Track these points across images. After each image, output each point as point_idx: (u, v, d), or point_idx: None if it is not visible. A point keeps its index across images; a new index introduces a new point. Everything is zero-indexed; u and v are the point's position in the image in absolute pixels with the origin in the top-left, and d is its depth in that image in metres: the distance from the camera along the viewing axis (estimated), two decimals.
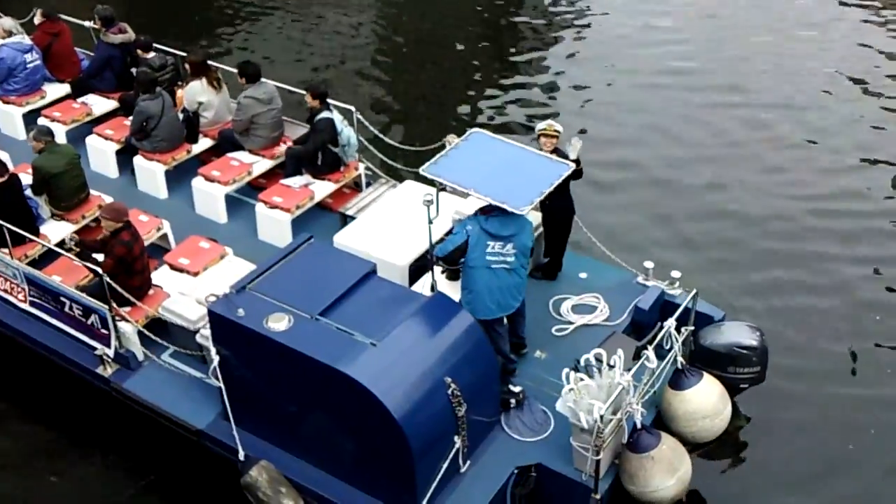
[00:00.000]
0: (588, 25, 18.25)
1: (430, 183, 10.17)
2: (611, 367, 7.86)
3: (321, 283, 8.20)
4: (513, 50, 17.49)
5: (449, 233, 10.14)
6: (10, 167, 11.20)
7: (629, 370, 7.77)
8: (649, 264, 9.86)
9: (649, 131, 14.62)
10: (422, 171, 8.17)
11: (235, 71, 11.42)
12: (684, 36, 17.58)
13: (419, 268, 9.97)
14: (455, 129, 14.43)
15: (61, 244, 10.19)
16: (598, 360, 7.94)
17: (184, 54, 12.12)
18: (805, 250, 11.97)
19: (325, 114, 10.72)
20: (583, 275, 10.13)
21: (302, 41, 18.00)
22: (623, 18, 18.40)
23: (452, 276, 8.98)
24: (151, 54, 12.24)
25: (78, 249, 8.84)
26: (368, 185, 11.44)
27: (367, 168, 11.50)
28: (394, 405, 7.24)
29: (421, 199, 9.99)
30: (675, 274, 9.70)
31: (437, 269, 8.96)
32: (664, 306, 9.60)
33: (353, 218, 10.61)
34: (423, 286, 8.91)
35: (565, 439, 8.11)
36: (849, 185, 13.29)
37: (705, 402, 8.27)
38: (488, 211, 7.96)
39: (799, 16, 18.32)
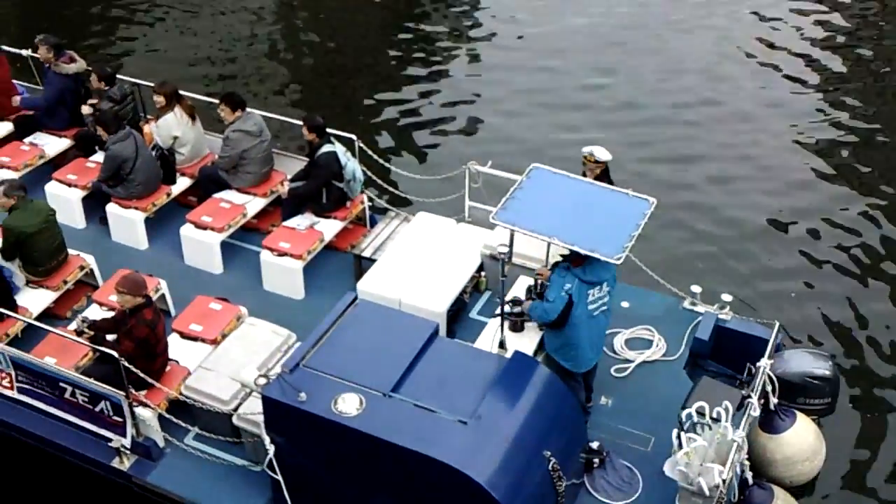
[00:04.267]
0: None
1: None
2: (714, 420, 7.22)
3: (383, 351, 7.28)
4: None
5: (481, 269, 9.46)
6: None
7: (737, 424, 7.15)
8: (697, 289, 9.28)
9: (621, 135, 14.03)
10: (492, 219, 7.30)
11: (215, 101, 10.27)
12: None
13: (455, 312, 9.16)
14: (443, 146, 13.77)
15: (43, 316, 8.98)
16: (701, 413, 7.27)
17: (149, 84, 10.82)
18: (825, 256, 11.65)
19: (326, 147, 9.69)
20: (625, 304, 9.44)
21: (200, 45, 16.68)
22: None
23: (516, 326, 8.15)
24: (98, 81, 10.81)
25: (91, 333, 7.63)
26: (374, 219, 10.47)
27: (370, 200, 10.51)
28: (499, 492, 6.43)
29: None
30: (727, 297, 9.13)
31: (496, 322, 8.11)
32: (718, 333, 9.04)
33: (369, 260, 9.63)
34: (487, 342, 8.03)
35: (659, 498, 7.47)
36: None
37: (803, 444, 7.76)
38: (580, 260, 7.18)
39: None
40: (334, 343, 7.33)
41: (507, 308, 7.95)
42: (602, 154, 8.59)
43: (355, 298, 7.74)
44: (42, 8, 18.22)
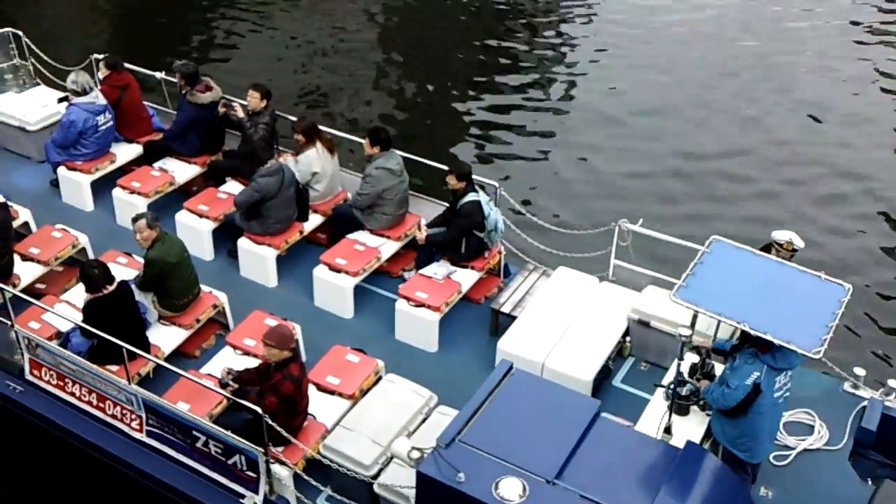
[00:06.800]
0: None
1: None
2: None
3: (544, 430, 6.76)
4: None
5: (626, 334, 8.94)
6: (90, 251, 9.78)
7: None
8: (861, 371, 8.60)
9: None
10: (672, 297, 6.75)
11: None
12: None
13: (600, 380, 8.64)
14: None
15: (172, 354, 8.71)
16: None
17: (291, 118, 10.50)
18: None
19: (471, 196, 9.26)
20: None
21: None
22: None
23: (682, 410, 7.59)
24: (261, 100, 10.33)
25: (236, 386, 7.29)
26: (508, 269, 10.01)
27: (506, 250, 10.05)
28: None
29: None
30: (894, 383, 8.44)
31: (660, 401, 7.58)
32: (882, 421, 8.36)
33: (508, 316, 9.16)
34: (652, 426, 7.48)
35: None
36: None
37: None
38: (767, 347, 6.61)
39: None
40: (491, 417, 6.83)
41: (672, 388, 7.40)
42: (799, 242, 8.07)
43: (511, 367, 7.26)
44: (165, 30, 18.28)
